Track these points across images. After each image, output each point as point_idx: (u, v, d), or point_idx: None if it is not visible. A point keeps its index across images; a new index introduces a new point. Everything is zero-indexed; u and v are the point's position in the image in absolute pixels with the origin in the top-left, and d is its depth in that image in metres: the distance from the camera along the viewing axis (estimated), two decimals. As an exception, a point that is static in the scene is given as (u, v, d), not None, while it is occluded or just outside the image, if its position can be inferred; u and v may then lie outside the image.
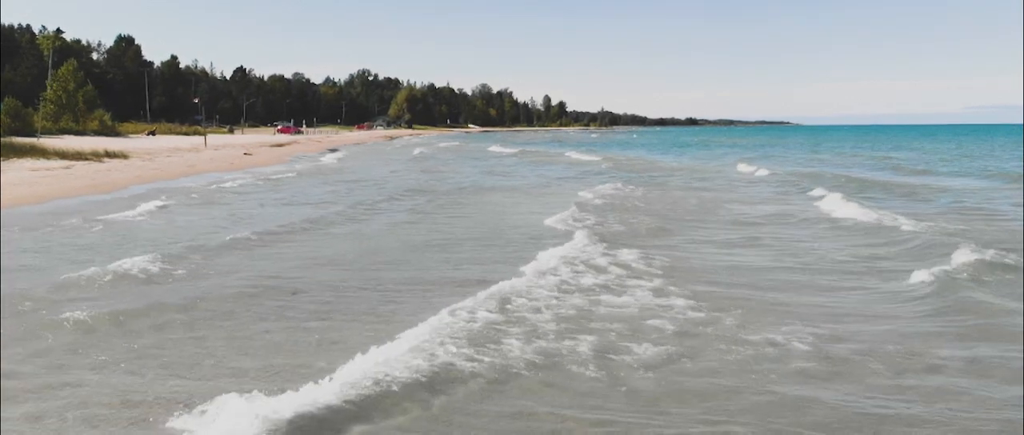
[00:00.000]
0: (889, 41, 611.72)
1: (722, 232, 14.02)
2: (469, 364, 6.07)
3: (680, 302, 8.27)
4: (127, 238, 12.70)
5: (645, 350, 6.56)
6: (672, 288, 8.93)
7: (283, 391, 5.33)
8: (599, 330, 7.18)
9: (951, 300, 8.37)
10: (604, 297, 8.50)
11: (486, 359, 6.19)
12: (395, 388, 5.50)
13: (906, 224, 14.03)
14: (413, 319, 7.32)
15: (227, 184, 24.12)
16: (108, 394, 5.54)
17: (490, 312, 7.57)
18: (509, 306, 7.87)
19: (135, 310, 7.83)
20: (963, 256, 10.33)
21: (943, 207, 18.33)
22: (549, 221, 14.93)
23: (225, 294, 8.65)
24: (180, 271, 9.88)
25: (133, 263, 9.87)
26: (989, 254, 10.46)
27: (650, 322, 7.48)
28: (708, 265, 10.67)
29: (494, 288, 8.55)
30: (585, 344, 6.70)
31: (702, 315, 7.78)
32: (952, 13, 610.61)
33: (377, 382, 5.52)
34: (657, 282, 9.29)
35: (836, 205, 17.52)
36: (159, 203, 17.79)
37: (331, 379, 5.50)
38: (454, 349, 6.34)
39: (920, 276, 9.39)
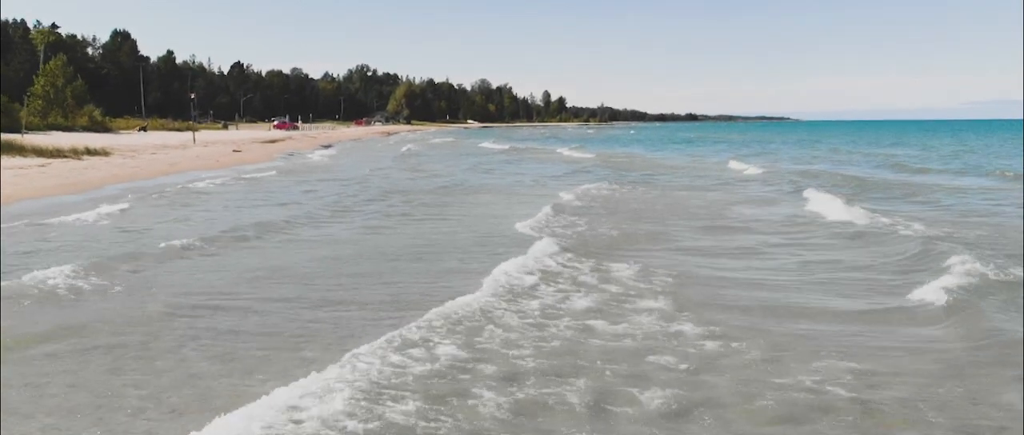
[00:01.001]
0: (888, 38, 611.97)
1: (724, 239, 12.71)
2: (424, 423, 4.80)
3: (689, 329, 7.02)
4: (67, 245, 11.42)
5: (652, 397, 5.31)
6: (680, 313, 7.65)
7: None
8: (592, 370, 5.91)
9: (990, 326, 7.12)
10: (595, 323, 7.24)
11: (446, 418, 4.91)
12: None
13: (920, 231, 12.78)
14: (348, 356, 5.93)
15: (202, 184, 22.86)
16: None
17: (458, 348, 6.28)
18: (478, 338, 6.58)
19: (36, 335, 6.60)
20: (989, 271, 9.11)
21: (954, 210, 16.94)
22: (525, 227, 13.45)
23: (154, 315, 7.40)
24: (117, 287, 8.61)
25: (56, 275, 8.64)
26: (1016, 271, 9.21)
27: (653, 359, 6.21)
28: (715, 280, 9.40)
29: (460, 313, 7.26)
30: (574, 392, 5.43)
31: (717, 346, 6.53)
32: (952, 10, 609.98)
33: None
34: (661, 301, 8.02)
35: (841, 209, 16.16)
36: (123, 205, 16.53)
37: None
38: (401, 406, 5.00)
39: (949, 295, 8.10)
